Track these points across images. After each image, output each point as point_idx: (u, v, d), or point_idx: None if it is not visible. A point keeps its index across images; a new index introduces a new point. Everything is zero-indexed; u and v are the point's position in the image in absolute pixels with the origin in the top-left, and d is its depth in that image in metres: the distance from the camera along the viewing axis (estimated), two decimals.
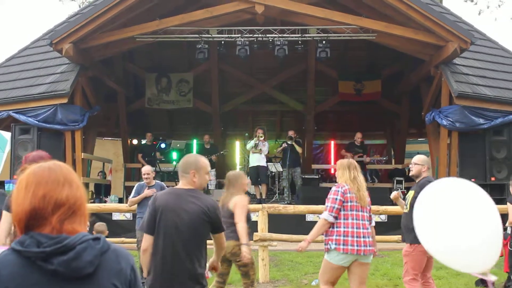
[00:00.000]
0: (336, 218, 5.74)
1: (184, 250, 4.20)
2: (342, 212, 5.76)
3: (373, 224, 6.08)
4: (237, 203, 6.34)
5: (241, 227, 6.20)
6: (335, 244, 5.68)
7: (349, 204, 5.77)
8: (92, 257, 1.82)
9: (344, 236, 5.68)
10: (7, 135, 17.05)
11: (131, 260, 1.99)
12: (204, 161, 4.54)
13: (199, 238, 4.28)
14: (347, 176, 5.89)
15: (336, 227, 5.74)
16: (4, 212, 4.64)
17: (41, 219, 1.84)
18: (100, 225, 9.08)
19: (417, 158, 6.65)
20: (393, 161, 19.03)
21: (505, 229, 7.15)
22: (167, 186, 8.46)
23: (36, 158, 4.59)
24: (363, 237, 5.73)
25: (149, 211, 4.37)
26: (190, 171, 4.40)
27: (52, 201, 1.85)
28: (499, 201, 10.00)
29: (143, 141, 17.97)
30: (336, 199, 5.77)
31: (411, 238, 6.19)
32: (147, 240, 4.32)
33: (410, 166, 6.74)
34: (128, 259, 1.98)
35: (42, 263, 1.78)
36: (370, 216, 6.00)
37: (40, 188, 1.87)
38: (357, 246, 5.67)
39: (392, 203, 7.66)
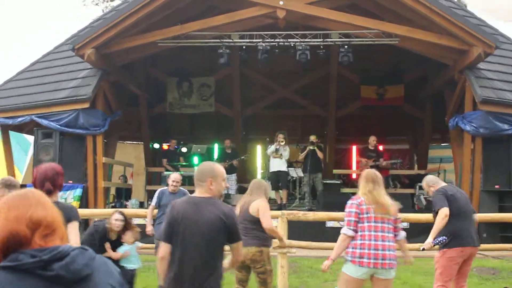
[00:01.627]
0: (355, 231, 5.55)
1: (202, 260, 4.18)
2: (359, 224, 5.56)
3: (402, 236, 5.80)
4: (261, 207, 6.31)
5: (273, 229, 6.44)
6: (351, 256, 5.50)
7: (365, 216, 5.55)
8: (86, 260, 1.89)
9: (360, 249, 5.47)
10: (30, 139, 17.22)
11: (115, 267, 2.09)
12: (220, 168, 4.50)
13: (216, 248, 4.26)
14: (363, 190, 5.69)
15: (353, 240, 5.56)
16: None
17: (22, 240, 1.86)
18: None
19: (423, 183, 6.81)
20: (415, 166, 18.84)
21: None
22: (189, 191, 8.43)
23: (48, 171, 4.60)
24: (382, 250, 5.45)
25: (167, 220, 4.36)
26: (207, 180, 4.36)
27: (25, 220, 1.88)
28: None
29: (165, 146, 18.00)
30: (351, 212, 5.60)
31: (449, 243, 6.20)
32: (164, 248, 4.30)
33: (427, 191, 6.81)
34: (113, 265, 2.08)
35: (42, 271, 1.81)
36: (395, 227, 5.69)
37: (12, 211, 1.89)
38: (374, 259, 5.42)
39: (414, 210, 7.53)
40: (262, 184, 6.68)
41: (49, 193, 4.57)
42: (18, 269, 1.81)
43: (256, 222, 6.34)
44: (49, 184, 4.55)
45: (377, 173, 5.92)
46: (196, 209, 4.27)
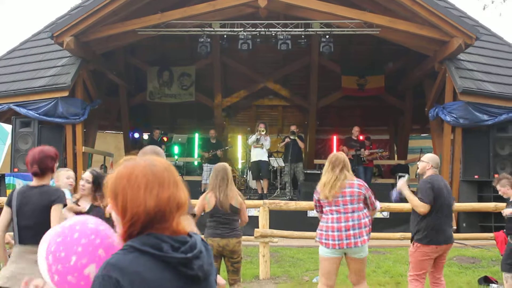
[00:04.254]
0: (321, 212, 6.07)
1: None
2: (323, 209, 5.98)
3: (378, 207, 6.16)
4: (243, 202, 6.48)
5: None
6: (319, 238, 5.91)
7: (325, 201, 5.92)
8: (209, 258, 1.90)
9: (325, 231, 5.85)
10: (8, 128, 16.98)
11: None
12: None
13: None
14: (324, 174, 6.06)
15: (321, 222, 5.98)
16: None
17: (163, 221, 1.83)
18: None
19: (424, 156, 6.54)
20: (395, 156, 18.95)
21: None
22: None
23: (36, 154, 4.58)
24: (346, 230, 5.76)
25: None
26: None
27: (175, 203, 1.85)
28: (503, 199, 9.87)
29: (145, 136, 17.87)
30: (314, 198, 6.12)
31: (417, 238, 6.14)
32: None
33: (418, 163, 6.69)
34: None
35: (185, 269, 1.79)
36: (366, 203, 5.97)
37: (164, 190, 1.84)
38: (338, 240, 5.74)
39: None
40: (228, 168, 6.62)
41: (36, 175, 4.54)
42: (159, 259, 1.76)
43: (237, 213, 6.40)
44: (36, 167, 4.53)
45: (339, 155, 6.11)
46: None
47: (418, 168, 6.65)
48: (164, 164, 1.91)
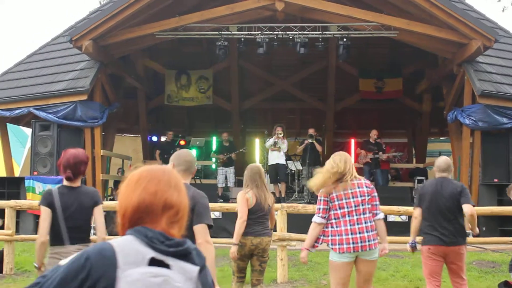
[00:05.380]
0: (325, 218, 5.57)
1: None
2: (333, 212, 5.55)
3: (381, 216, 5.74)
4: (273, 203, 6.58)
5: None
6: (332, 244, 5.52)
7: (336, 202, 5.53)
8: (201, 265, 1.87)
9: (338, 235, 5.48)
10: (27, 131, 17.16)
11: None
12: None
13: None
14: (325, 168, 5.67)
15: (330, 227, 5.56)
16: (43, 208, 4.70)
17: (152, 216, 1.85)
18: None
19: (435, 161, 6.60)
20: (414, 160, 18.83)
21: None
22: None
23: (70, 159, 4.74)
24: (360, 233, 5.46)
25: None
26: (189, 171, 4.45)
27: (162, 199, 1.86)
28: None
29: (163, 138, 17.96)
30: (320, 200, 5.62)
31: (423, 239, 6.23)
32: None
33: None
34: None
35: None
36: (373, 206, 5.64)
37: (152, 184, 1.87)
38: (353, 244, 5.44)
39: (413, 203, 7.48)
40: (260, 168, 6.65)
41: (69, 179, 4.71)
42: (146, 244, 1.79)
43: (269, 213, 6.47)
44: (69, 173, 4.69)
45: (342, 152, 5.88)
46: None
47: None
48: (163, 167, 1.98)
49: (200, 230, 4.10)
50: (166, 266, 1.77)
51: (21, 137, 20.51)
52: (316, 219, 5.62)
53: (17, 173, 15.59)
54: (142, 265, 1.75)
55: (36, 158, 12.90)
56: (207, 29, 13.48)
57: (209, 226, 4.18)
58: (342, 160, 5.59)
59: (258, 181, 6.39)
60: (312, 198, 14.26)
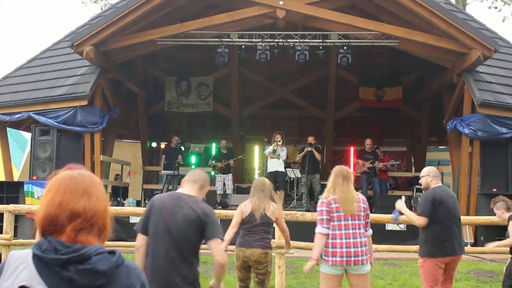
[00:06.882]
0: (329, 228, 5.62)
1: (175, 253, 4.26)
2: (330, 223, 5.62)
3: (370, 233, 5.80)
4: (281, 214, 6.61)
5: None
6: (325, 255, 5.59)
7: (335, 214, 5.61)
8: (107, 268, 1.82)
9: (332, 247, 5.55)
10: (27, 135, 17.16)
11: (142, 277, 1.98)
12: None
13: (190, 241, 4.32)
14: (331, 185, 5.77)
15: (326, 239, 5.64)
16: None
17: (57, 226, 1.86)
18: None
19: (422, 171, 6.64)
20: (413, 169, 18.84)
21: None
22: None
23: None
24: (354, 247, 5.52)
25: (145, 212, 4.49)
26: (205, 188, 4.63)
27: (67, 210, 1.87)
28: None
29: (162, 145, 17.97)
30: (322, 210, 5.67)
31: (422, 251, 6.22)
32: (139, 240, 4.42)
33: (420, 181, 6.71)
34: (140, 275, 1.97)
35: (60, 269, 1.80)
36: (366, 223, 5.72)
37: (58, 195, 1.89)
38: (346, 257, 5.49)
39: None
40: (267, 183, 6.67)
41: None
42: (39, 257, 1.82)
43: (271, 225, 6.49)
44: None
45: (348, 169, 5.98)
46: (175, 204, 4.39)
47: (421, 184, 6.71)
48: (73, 173, 1.96)
49: (215, 246, 4.33)
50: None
51: (21, 142, 20.50)
52: (321, 230, 5.64)
53: (16, 178, 15.57)
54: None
55: (35, 162, 12.91)
56: (208, 36, 13.51)
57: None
58: (349, 179, 5.76)
59: (260, 193, 6.44)
60: (311, 206, 14.27)
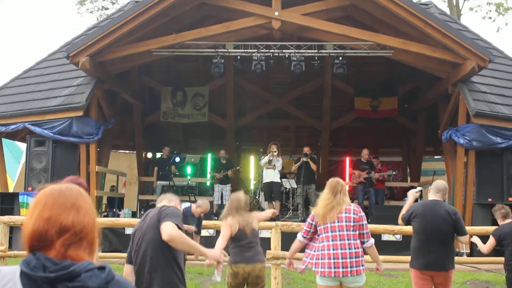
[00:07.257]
0: (310, 239, 5.88)
1: (150, 266, 4.41)
2: (319, 235, 5.76)
3: (368, 244, 5.78)
4: (259, 217, 6.81)
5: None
6: (315, 267, 5.68)
7: (322, 227, 5.70)
8: (97, 285, 1.79)
9: (321, 259, 5.61)
10: (22, 146, 17.11)
11: None
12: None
13: (163, 255, 4.43)
14: (321, 198, 5.92)
15: (315, 250, 5.75)
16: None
17: (46, 242, 1.83)
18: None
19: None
20: (408, 178, 18.86)
21: None
22: (182, 201, 8.36)
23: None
24: (343, 258, 5.53)
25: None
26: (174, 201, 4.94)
27: (56, 224, 1.84)
28: None
29: (158, 155, 17.96)
30: (308, 222, 5.90)
31: (411, 261, 6.29)
32: (125, 270, 4.65)
33: None
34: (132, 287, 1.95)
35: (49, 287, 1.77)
36: (361, 234, 5.72)
37: (46, 209, 1.86)
38: (334, 268, 5.51)
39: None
40: (243, 198, 6.67)
41: None
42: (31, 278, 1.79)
43: (258, 236, 6.51)
44: None
45: (340, 180, 6.07)
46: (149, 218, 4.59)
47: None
48: (61, 187, 1.93)
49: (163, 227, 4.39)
50: None
51: (16, 152, 20.46)
52: (299, 237, 5.98)
53: (11, 189, 15.49)
54: None
55: (30, 173, 12.86)
56: (204, 47, 13.53)
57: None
58: (338, 190, 5.86)
59: (240, 210, 6.45)
60: (307, 216, 14.23)
